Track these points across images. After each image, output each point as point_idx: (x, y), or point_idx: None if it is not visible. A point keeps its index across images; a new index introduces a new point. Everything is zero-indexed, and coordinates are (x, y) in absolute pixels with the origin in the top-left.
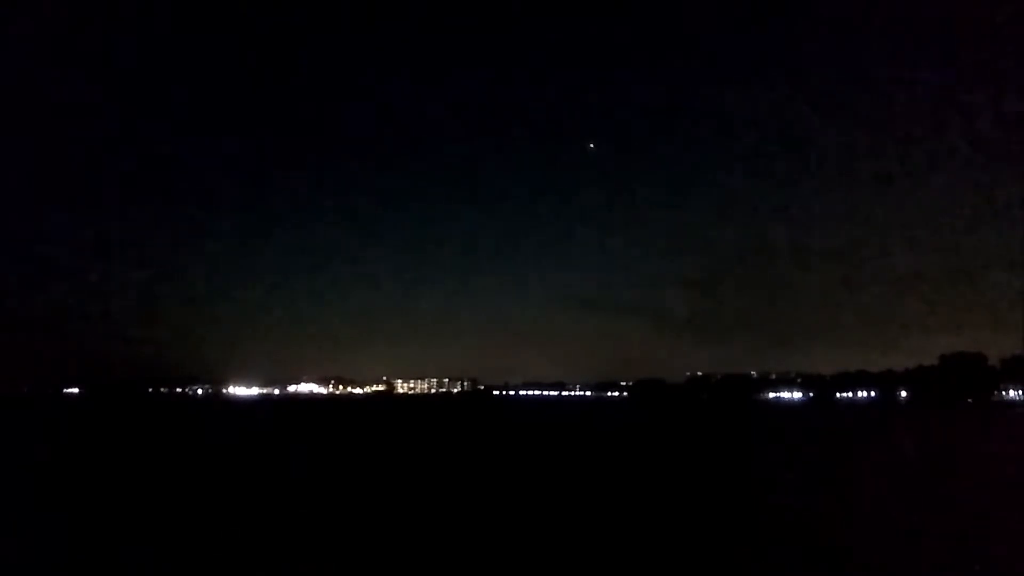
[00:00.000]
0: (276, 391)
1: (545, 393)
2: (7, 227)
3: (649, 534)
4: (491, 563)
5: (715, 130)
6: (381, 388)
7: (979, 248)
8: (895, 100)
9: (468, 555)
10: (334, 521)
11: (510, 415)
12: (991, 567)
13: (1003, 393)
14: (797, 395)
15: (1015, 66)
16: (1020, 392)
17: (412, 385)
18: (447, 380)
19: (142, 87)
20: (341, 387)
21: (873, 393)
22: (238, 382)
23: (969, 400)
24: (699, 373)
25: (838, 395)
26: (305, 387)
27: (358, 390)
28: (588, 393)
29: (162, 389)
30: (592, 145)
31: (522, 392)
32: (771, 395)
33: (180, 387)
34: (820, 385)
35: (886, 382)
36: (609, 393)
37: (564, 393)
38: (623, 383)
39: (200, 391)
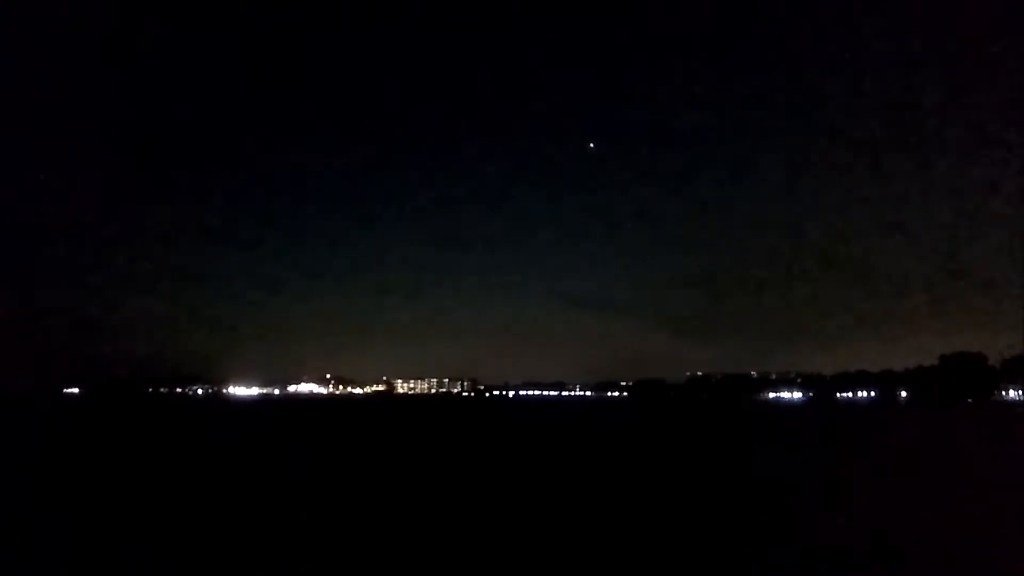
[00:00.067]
0: (276, 391)
1: (545, 393)
2: (7, 227)
3: (649, 534)
4: (491, 563)
5: (715, 130)
6: (381, 388)
7: (979, 248)
8: (895, 100)
9: (468, 555)
10: (334, 521)
11: (510, 415)
12: (991, 567)
13: (1003, 393)
14: (797, 395)
15: (1017, 65)
16: (1020, 392)
17: (412, 385)
18: (447, 380)
19: (142, 87)
20: (341, 387)
21: (873, 393)
22: (238, 382)
23: (969, 400)
24: (699, 373)
25: (838, 395)
26: (305, 387)
27: (358, 390)
28: (588, 393)
29: (162, 389)
30: (592, 145)
31: (522, 392)
32: (771, 395)
33: (180, 387)
34: (820, 385)
35: (886, 382)
36: (609, 393)
37: (564, 393)
38: (623, 383)
39: (200, 391)
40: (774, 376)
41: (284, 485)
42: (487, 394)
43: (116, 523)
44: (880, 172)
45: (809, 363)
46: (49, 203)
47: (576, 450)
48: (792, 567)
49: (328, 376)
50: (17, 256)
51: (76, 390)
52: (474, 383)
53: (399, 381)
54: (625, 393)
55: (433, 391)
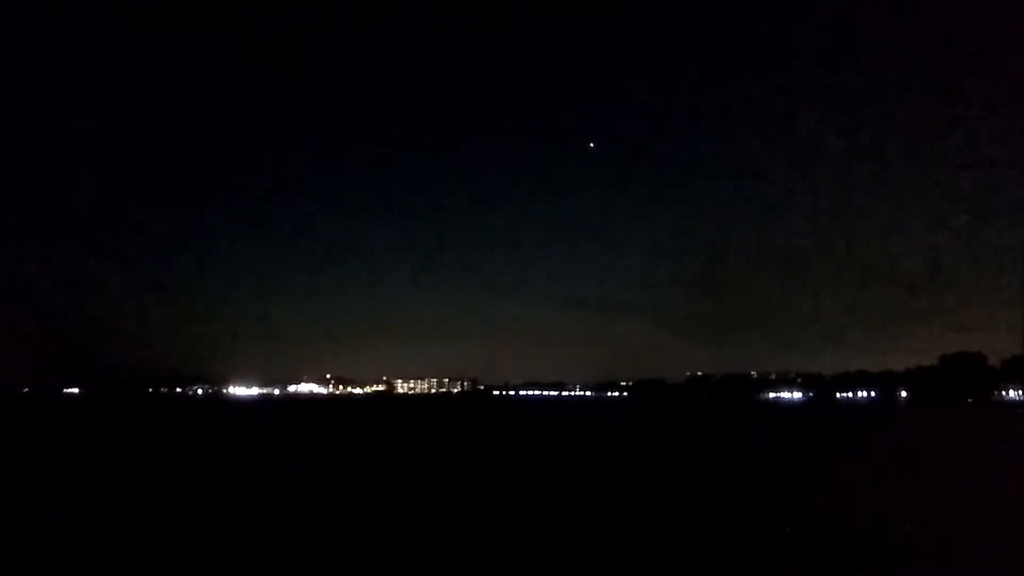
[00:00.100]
0: (276, 391)
1: (545, 393)
2: (7, 227)
3: (649, 534)
4: (491, 563)
5: (715, 130)
6: (381, 388)
7: (979, 248)
8: (896, 100)
9: (468, 555)
10: (334, 521)
11: (510, 415)
12: (991, 567)
13: (1003, 393)
14: (797, 395)
15: (1017, 65)
16: (1020, 392)
17: (412, 385)
18: (447, 380)
19: (142, 87)
20: (341, 387)
21: (873, 393)
22: (238, 382)
23: (969, 400)
24: (699, 373)
25: (838, 395)
26: (305, 387)
27: (358, 390)
28: (588, 393)
29: (162, 389)
30: (592, 145)
31: (522, 392)
32: (771, 395)
33: (180, 387)
34: (820, 385)
35: (886, 382)
36: (609, 393)
37: (564, 393)
38: (623, 383)
39: (200, 391)
40: (774, 376)
41: (284, 485)
42: (487, 394)
43: (116, 523)
44: (880, 172)
45: (809, 363)
46: (49, 203)
47: (576, 450)
48: (792, 567)
49: (328, 376)
50: (17, 256)
51: (76, 390)
52: (474, 383)
53: (399, 381)
54: (625, 393)
55: (433, 391)
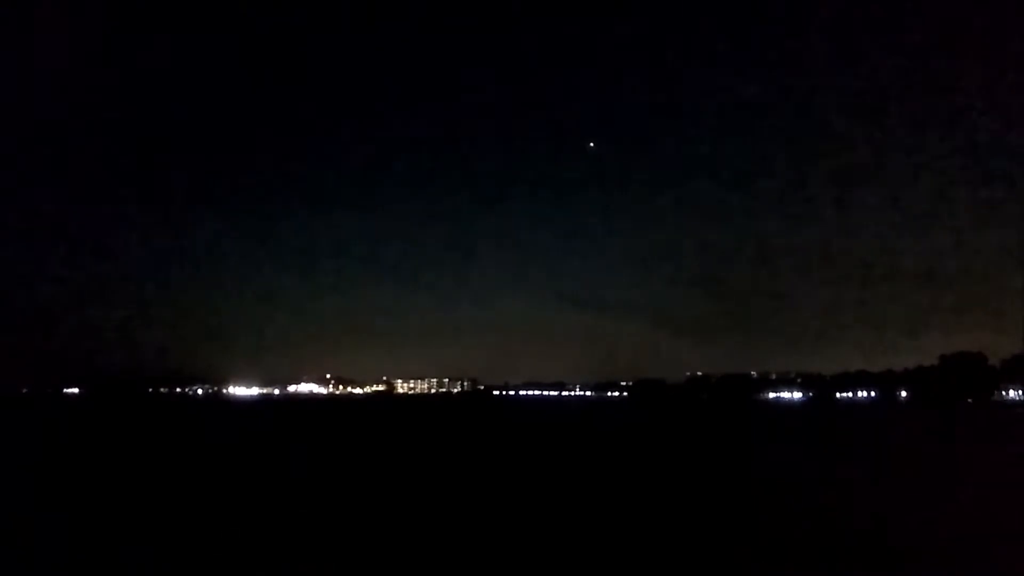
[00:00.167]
0: (276, 391)
1: (545, 393)
2: (7, 227)
3: (649, 534)
4: (491, 563)
5: (715, 130)
6: (381, 388)
7: (979, 248)
8: (896, 98)
9: (468, 555)
10: (334, 521)
11: (510, 415)
12: (991, 567)
13: (1003, 393)
14: (797, 395)
15: (1017, 64)
16: (1020, 392)
17: (412, 385)
18: (447, 380)
19: (142, 87)
20: (341, 387)
21: (873, 393)
22: (238, 382)
23: (969, 400)
24: (699, 373)
25: (838, 395)
26: (305, 387)
27: (358, 390)
28: (588, 393)
29: (162, 389)
30: (592, 145)
31: (522, 392)
32: (771, 395)
33: (180, 387)
34: (820, 385)
35: (886, 382)
36: (609, 393)
37: (564, 393)
38: (623, 383)
39: (200, 391)
40: (774, 376)
41: (284, 485)
42: (487, 394)
43: (116, 523)
44: (880, 172)
45: (809, 363)
46: (50, 203)
47: (576, 450)
48: (792, 567)
49: (328, 376)
50: (17, 256)
51: (76, 390)
52: (474, 383)
53: (399, 381)
54: (625, 393)
55: (433, 391)
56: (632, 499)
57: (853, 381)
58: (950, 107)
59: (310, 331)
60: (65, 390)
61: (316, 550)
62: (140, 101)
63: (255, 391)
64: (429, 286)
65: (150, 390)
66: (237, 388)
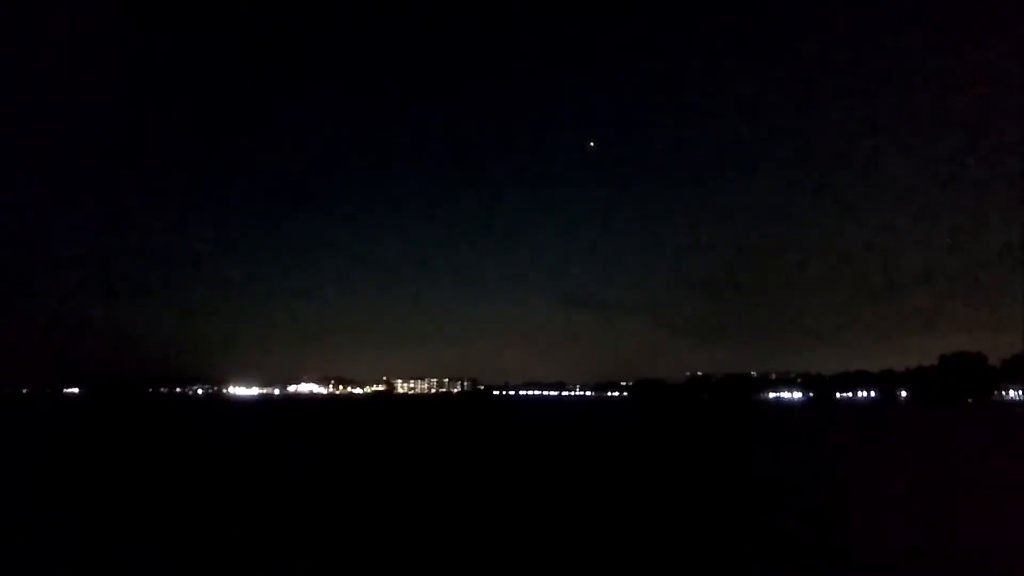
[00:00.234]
0: (276, 391)
1: (545, 393)
2: (7, 227)
3: (649, 534)
4: (491, 563)
5: (715, 130)
6: (381, 388)
7: (979, 248)
8: (895, 98)
9: (468, 555)
10: (334, 521)
11: (510, 415)
12: (992, 567)
13: (1003, 393)
14: (797, 395)
15: (1018, 64)
16: (1020, 392)
17: (412, 385)
18: (447, 380)
19: (142, 87)
20: (341, 387)
21: (873, 393)
22: (238, 382)
23: (969, 400)
24: (699, 373)
25: (838, 395)
26: (305, 387)
27: (358, 390)
28: (588, 393)
29: (162, 389)
30: (592, 144)
31: (522, 392)
32: (771, 395)
33: (180, 387)
34: (820, 385)
35: (886, 382)
36: (609, 393)
37: (564, 393)
38: (623, 383)
39: (200, 391)
40: (774, 376)
41: (284, 485)
42: (487, 394)
43: (116, 523)
44: (880, 172)
45: (809, 363)
46: (49, 203)
47: (576, 450)
48: (792, 567)
49: (328, 376)
50: (17, 256)
51: (76, 390)
52: (474, 383)
53: (399, 381)
54: (625, 393)
55: (433, 391)
56: (632, 499)
57: (853, 381)
58: (950, 106)
59: (310, 331)
60: (65, 390)
61: (316, 550)
62: (140, 101)
63: (255, 391)
64: (429, 286)
65: (150, 390)
66: (237, 388)
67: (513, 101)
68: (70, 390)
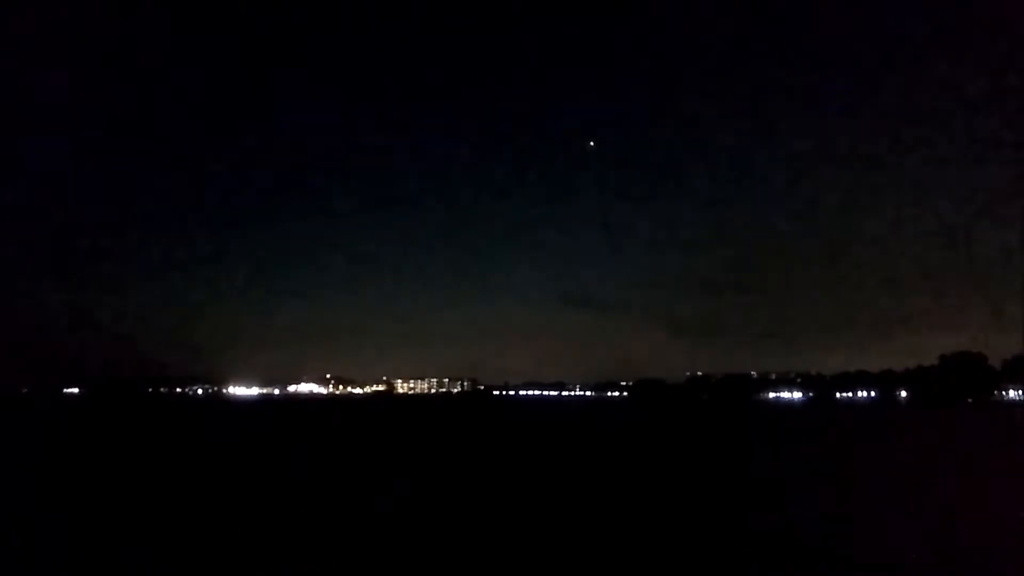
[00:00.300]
0: (276, 391)
1: (545, 393)
2: (7, 227)
3: (649, 534)
4: (491, 563)
5: (714, 130)
6: (381, 388)
7: (979, 248)
8: (895, 98)
9: (468, 555)
10: (334, 521)
11: (510, 415)
12: (992, 567)
13: (1003, 393)
14: (797, 395)
15: (1018, 63)
16: (1020, 392)
17: (412, 385)
18: (447, 380)
19: (142, 86)
20: (341, 387)
21: (873, 393)
22: (238, 382)
23: (969, 400)
24: (699, 373)
25: (838, 395)
26: (305, 387)
27: (358, 390)
28: (588, 393)
29: (162, 389)
30: (592, 144)
31: (522, 392)
32: (771, 395)
33: (180, 387)
34: (820, 385)
35: (886, 382)
36: (609, 393)
37: (564, 393)
38: (623, 383)
39: (200, 391)
40: (774, 376)
41: (284, 485)
42: (487, 394)
43: (116, 523)
44: (880, 173)
45: (809, 363)
46: (49, 203)
47: (576, 450)
48: (792, 567)
49: (328, 376)
50: (17, 256)
51: (76, 390)
52: (474, 383)
53: (399, 381)
54: (625, 393)
55: (433, 391)
56: (632, 499)
57: (853, 381)
58: (951, 106)
59: (310, 331)
60: (65, 390)
61: (316, 550)
62: (140, 101)
63: (255, 391)
64: (429, 286)
65: (150, 390)
66: (237, 388)
67: (513, 101)
68: (70, 390)
